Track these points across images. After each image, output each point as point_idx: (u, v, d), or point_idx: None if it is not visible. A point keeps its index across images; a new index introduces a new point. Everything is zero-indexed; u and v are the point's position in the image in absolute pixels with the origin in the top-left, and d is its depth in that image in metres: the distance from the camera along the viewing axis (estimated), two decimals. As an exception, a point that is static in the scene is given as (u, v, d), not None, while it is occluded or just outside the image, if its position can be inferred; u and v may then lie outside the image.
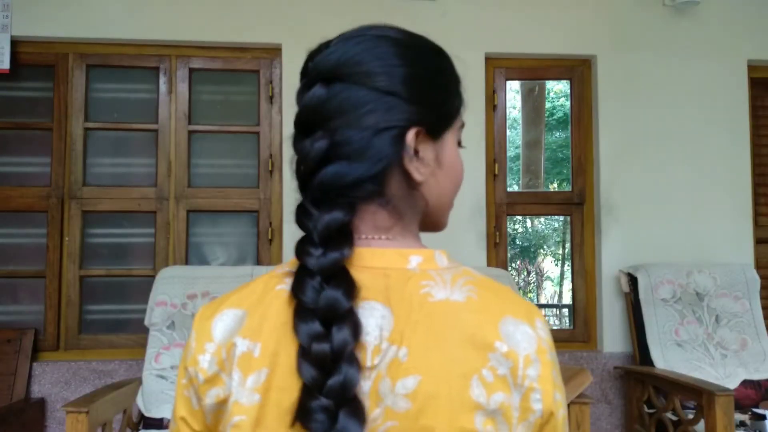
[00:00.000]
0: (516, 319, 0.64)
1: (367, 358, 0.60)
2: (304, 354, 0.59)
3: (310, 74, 0.67)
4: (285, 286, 0.64)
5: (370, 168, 0.64)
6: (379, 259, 0.65)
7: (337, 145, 0.65)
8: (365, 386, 0.60)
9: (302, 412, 0.57)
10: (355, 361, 0.58)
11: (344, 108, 0.65)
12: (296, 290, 0.61)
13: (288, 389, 0.59)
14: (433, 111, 0.68)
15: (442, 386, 0.60)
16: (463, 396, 0.60)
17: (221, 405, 0.63)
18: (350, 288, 0.61)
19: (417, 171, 0.67)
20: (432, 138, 0.68)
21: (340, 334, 0.58)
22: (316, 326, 0.59)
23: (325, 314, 0.59)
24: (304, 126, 0.67)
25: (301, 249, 0.64)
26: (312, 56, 0.68)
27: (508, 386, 0.61)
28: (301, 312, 0.60)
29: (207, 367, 0.63)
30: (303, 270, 0.62)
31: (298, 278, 0.62)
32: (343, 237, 0.63)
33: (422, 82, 0.68)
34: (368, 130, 0.65)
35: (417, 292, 0.63)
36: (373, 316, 0.61)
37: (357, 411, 0.57)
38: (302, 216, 0.65)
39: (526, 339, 0.63)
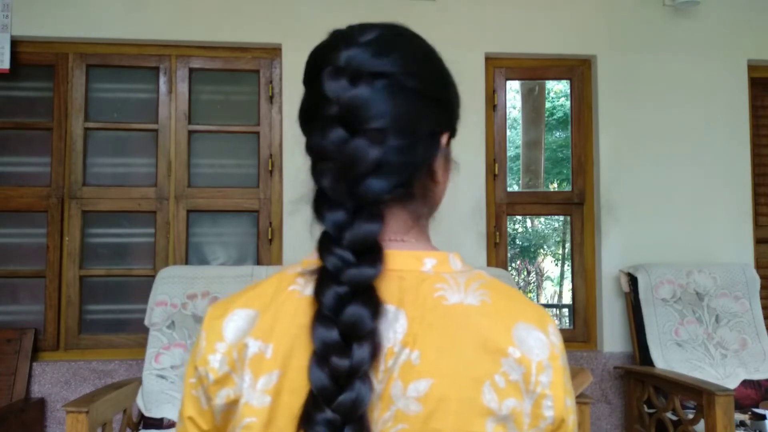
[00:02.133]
0: (529, 325, 0.64)
1: (381, 361, 0.60)
2: (318, 360, 0.58)
3: (350, 67, 0.63)
4: (297, 286, 0.64)
5: (412, 173, 0.64)
6: (394, 262, 0.64)
7: (387, 152, 0.63)
8: (377, 389, 0.59)
9: (307, 422, 0.57)
10: (368, 380, 0.58)
11: (392, 112, 0.63)
12: (319, 294, 0.60)
13: (299, 392, 0.59)
14: (453, 115, 0.71)
15: (454, 390, 0.59)
16: (475, 401, 0.60)
17: (231, 405, 0.62)
18: (377, 308, 0.60)
19: (441, 173, 0.69)
20: (450, 141, 0.71)
21: (360, 352, 0.58)
22: (335, 335, 0.58)
23: (347, 329, 0.58)
24: (345, 122, 0.62)
25: (325, 249, 0.61)
26: (343, 41, 0.65)
27: (520, 392, 0.61)
28: (322, 318, 0.59)
29: (218, 367, 0.63)
30: (327, 274, 0.61)
31: (322, 282, 0.60)
32: (377, 251, 0.62)
33: (448, 87, 0.70)
34: (414, 135, 0.64)
35: (431, 295, 0.63)
36: (386, 319, 0.61)
37: (362, 430, 0.57)
38: (327, 210, 0.62)
39: (539, 345, 0.63)
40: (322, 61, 0.65)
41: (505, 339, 0.62)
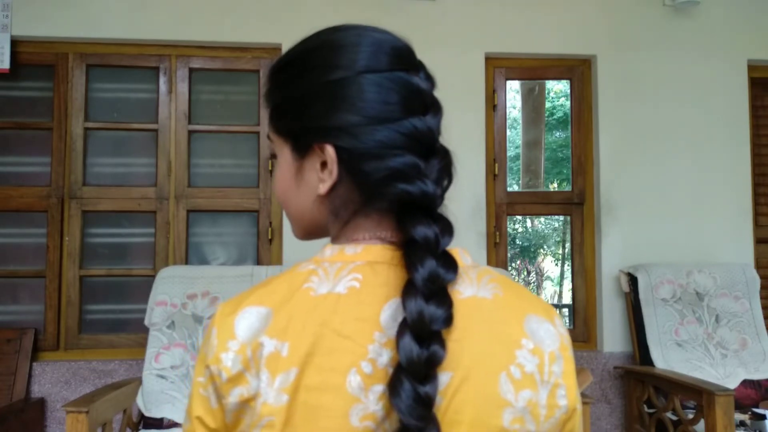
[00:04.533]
0: (539, 317, 0.66)
1: None
2: (413, 334, 0.58)
3: (431, 95, 0.69)
4: (311, 284, 0.63)
5: None
6: None
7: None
8: None
9: (393, 390, 0.57)
10: (442, 341, 0.59)
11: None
12: (414, 267, 0.61)
13: (317, 389, 0.59)
14: None
15: (471, 382, 0.60)
16: (492, 392, 0.61)
17: (245, 404, 0.62)
18: (456, 270, 0.63)
19: None
20: None
21: (440, 312, 0.60)
22: (432, 309, 0.60)
23: (435, 297, 0.60)
24: (434, 148, 0.68)
25: (419, 223, 0.63)
26: (430, 74, 0.71)
27: (535, 383, 0.63)
28: (417, 291, 0.60)
29: (231, 365, 0.62)
30: (421, 247, 0.62)
31: (415, 255, 0.62)
32: (454, 261, 0.64)
33: None
34: None
35: None
36: None
37: (435, 390, 0.58)
38: (419, 183, 0.65)
39: (550, 336, 0.65)
40: (409, 62, 0.69)
41: (518, 331, 0.64)
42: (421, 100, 0.67)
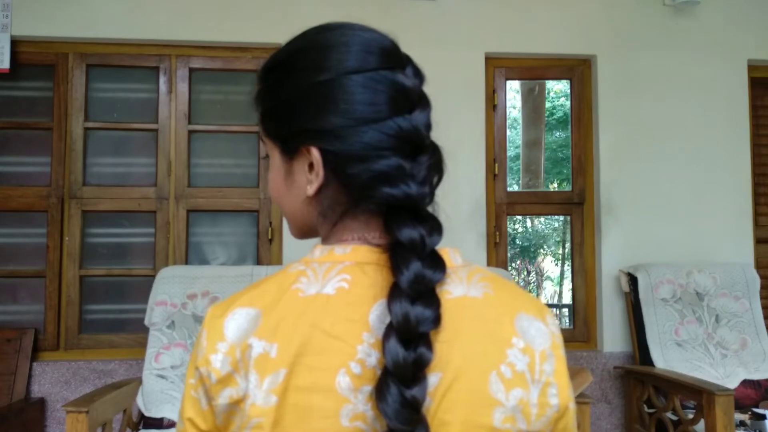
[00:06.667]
0: (529, 315, 0.66)
1: None
2: (399, 336, 0.58)
3: (419, 90, 0.68)
4: (300, 285, 0.63)
5: None
6: None
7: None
8: None
9: (380, 394, 0.57)
10: (429, 343, 0.59)
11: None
12: (399, 269, 0.61)
13: (307, 390, 0.59)
14: None
15: (462, 382, 0.60)
16: (482, 392, 0.61)
17: (235, 406, 0.62)
18: (444, 271, 0.62)
19: None
20: None
21: (428, 312, 0.60)
22: (419, 310, 0.60)
23: (421, 298, 0.60)
24: (422, 146, 0.67)
25: (405, 224, 0.63)
26: (418, 69, 0.70)
27: (526, 382, 0.63)
28: (403, 294, 0.60)
29: (220, 366, 0.62)
30: (407, 249, 0.61)
31: (402, 257, 0.61)
32: (442, 260, 0.64)
33: None
34: None
35: None
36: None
37: (424, 392, 0.58)
38: (403, 185, 0.64)
39: (541, 335, 0.65)
40: (395, 60, 0.68)
41: (509, 330, 0.64)
42: (407, 98, 0.66)
